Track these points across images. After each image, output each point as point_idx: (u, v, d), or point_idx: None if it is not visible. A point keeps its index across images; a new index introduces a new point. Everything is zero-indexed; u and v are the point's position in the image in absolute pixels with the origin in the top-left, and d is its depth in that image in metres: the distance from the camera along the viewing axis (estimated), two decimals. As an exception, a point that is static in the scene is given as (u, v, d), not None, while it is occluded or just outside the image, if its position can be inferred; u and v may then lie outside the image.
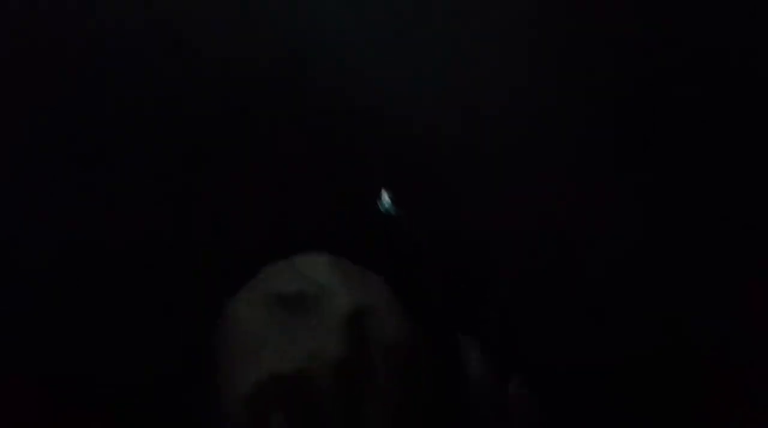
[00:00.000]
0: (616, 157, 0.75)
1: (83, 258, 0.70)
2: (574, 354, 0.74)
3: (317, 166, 0.75)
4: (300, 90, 0.74)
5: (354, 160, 0.75)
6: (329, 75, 0.74)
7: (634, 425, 0.72)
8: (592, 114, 0.75)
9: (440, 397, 0.72)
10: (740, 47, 0.73)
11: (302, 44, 0.74)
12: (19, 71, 0.70)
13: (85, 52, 0.72)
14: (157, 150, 0.73)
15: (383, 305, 0.69)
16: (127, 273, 0.70)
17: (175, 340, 0.69)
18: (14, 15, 0.70)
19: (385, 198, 0.72)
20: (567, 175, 0.75)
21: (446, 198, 0.76)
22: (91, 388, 0.64)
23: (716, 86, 0.74)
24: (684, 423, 0.72)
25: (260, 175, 0.74)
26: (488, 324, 0.75)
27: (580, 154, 0.75)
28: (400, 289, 0.71)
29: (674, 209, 0.77)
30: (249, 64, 0.74)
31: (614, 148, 0.75)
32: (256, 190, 0.74)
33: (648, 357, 0.74)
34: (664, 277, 0.76)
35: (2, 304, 0.65)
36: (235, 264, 0.72)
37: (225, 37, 0.74)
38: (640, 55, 0.73)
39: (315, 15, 0.74)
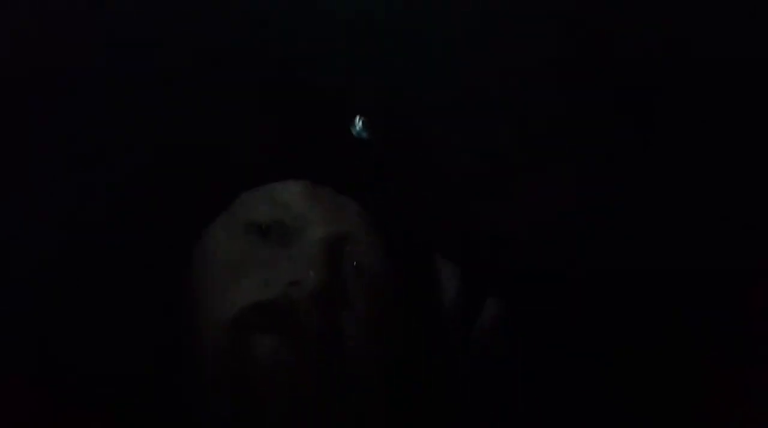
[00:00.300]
0: (615, 156, 0.75)
1: (83, 258, 0.70)
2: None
3: (291, 93, 0.74)
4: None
5: (331, 90, 0.75)
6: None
7: (633, 425, 0.72)
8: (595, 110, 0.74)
9: (416, 321, 0.73)
10: (740, 47, 0.72)
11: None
12: (18, 71, 0.71)
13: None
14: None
15: (361, 231, 0.70)
16: (126, 272, 0.71)
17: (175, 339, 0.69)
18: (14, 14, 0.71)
19: (359, 123, 0.72)
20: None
21: (420, 130, 0.76)
22: (90, 388, 0.65)
23: (716, 85, 0.73)
24: (684, 423, 0.71)
25: (233, 103, 0.74)
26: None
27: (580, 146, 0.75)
28: (376, 215, 0.71)
29: (674, 208, 0.76)
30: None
31: (614, 147, 0.75)
32: (231, 118, 0.74)
33: (647, 355, 0.74)
34: (663, 276, 0.76)
35: (2, 304, 0.66)
36: (212, 193, 0.71)
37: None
38: (641, 55, 0.73)
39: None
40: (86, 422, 0.63)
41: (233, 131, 0.74)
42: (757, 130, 0.75)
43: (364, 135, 0.73)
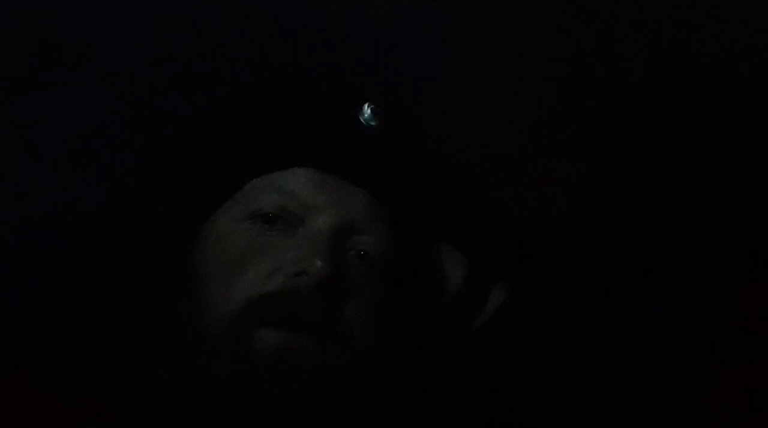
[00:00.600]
0: (619, 152, 0.75)
1: (84, 252, 0.69)
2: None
3: (299, 81, 0.74)
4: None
5: (339, 78, 0.74)
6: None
7: (633, 425, 0.72)
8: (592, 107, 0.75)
9: (421, 309, 0.73)
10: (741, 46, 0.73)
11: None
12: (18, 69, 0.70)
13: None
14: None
15: (367, 220, 0.69)
16: (129, 263, 0.70)
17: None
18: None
19: (367, 111, 0.71)
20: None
21: (430, 115, 0.75)
22: (91, 385, 0.64)
23: (717, 85, 0.74)
24: (684, 423, 0.72)
25: (240, 91, 0.74)
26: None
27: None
28: (383, 203, 0.71)
29: (674, 208, 0.77)
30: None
31: (613, 145, 0.76)
32: (237, 106, 0.74)
33: (647, 355, 0.74)
34: (662, 275, 0.76)
35: (2, 304, 0.65)
36: (218, 181, 0.71)
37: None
38: (642, 54, 0.73)
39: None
40: (86, 420, 0.62)
41: (240, 120, 0.73)
42: (756, 132, 0.75)
43: (372, 123, 0.72)
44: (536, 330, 0.75)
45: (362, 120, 0.72)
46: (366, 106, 0.72)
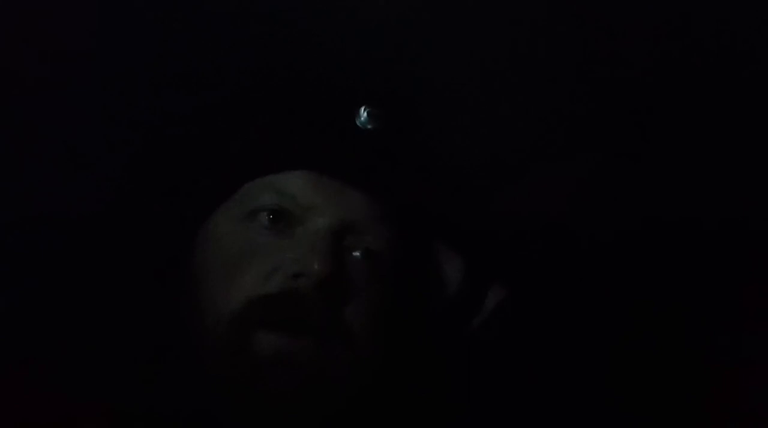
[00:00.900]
0: (620, 154, 0.75)
1: (83, 253, 0.69)
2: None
3: (297, 83, 0.74)
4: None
5: (336, 81, 0.74)
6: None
7: (633, 425, 0.72)
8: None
9: (420, 310, 0.73)
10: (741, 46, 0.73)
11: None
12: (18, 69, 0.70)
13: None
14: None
15: (366, 221, 0.69)
16: (127, 264, 0.70)
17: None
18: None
19: (364, 114, 0.72)
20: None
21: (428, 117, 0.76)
22: (91, 385, 0.64)
23: (716, 84, 0.74)
24: (684, 423, 0.72)
25: (238, 94, 0.74)
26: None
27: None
28: (381, 205, 0.70)
29: (673, 208, 0.77)
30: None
31: (613, 146, 0.76)
32: (235, 108, 0.74)
33: (648, 355, 0.74)
34: (662, 275, 0.76)
35: (2, 304, 0.65)
36: (216, 183, 0.71)
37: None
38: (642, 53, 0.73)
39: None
40: (86, 420, 0.62)
41: (238, 122, 0.73)
42: (756, 133, 0.75)
43: (369, 126, 0.72)
44: (535, 330, 0.75)
45: (358, 123, 0.72)
46: (362, 109, 0.72)
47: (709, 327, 0.73)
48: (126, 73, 0.74)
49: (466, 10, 0.73)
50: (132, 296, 0.68)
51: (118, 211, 0.71)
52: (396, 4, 0.73)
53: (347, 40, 0.73)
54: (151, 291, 0.69)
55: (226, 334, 0.63)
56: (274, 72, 0.74)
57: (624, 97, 0.74)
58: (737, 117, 0.74)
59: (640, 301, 0.75)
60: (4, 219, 0.69)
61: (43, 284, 0.68)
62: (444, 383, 0.73)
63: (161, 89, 0.73)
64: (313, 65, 0.73)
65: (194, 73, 0.74)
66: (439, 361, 0.74)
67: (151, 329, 0.67)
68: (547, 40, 0.73)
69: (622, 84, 0.74)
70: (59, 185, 0.72)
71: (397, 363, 0.71)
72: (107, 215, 0.71)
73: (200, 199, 0.71)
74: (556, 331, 0.75)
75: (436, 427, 0.71)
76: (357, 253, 0.68)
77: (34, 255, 0.68)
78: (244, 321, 0.63)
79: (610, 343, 0.75)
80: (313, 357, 0.64)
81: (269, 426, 0.66)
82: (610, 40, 0.73)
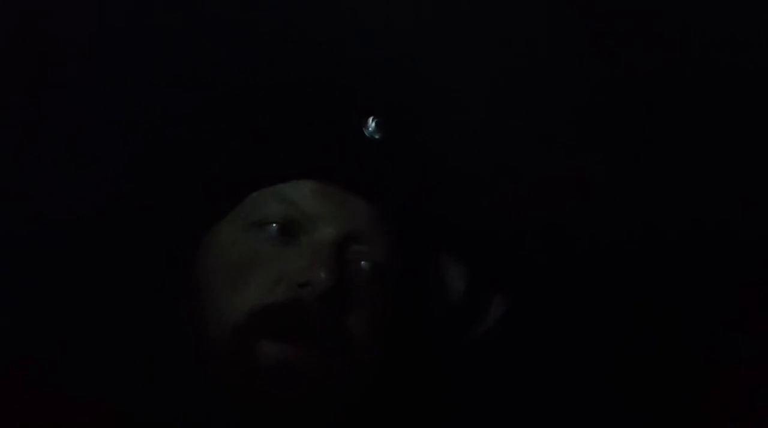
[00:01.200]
0: (622, 155, 0.75)
1: (85, 257, 0.69)
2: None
3: (303, 92, 0.74)
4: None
5: (341, 86, 0.74)
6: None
7: (633, 425, 0.72)
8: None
9: (423, 320, 0.74)
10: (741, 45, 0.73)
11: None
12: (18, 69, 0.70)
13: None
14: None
15: (371, 231, 0.69)
16: (131, 270, 0.69)
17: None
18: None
19: (372, 124, 0.72)
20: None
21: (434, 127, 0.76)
22: (92, 390, 0.64)
23: (717, 85, 0.74)
24: (684, 423, 0.72)
25: (244, 102, 0.74)
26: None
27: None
28: (387, 215, 0.70)
29: (674, 206, 0.77)
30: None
31: (620, 146, 0.76)
32: (241, 117, 0.74)
33: (648, 355, 0.74)
34: (662, 275, 0.76)
35: (2, 304, 0.65)
36: (221, 193, 0.70)
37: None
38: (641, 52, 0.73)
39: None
40: (86, 420, 0.62)
41: (243, 130, 0.73)
42: (756, 134, 0.75)
43: (377, 136, 0.72)
44: (536, 331, 0.75)
45: (366, 133, 0.72)
46: (371, 119, 0.72)
47: (709, 328, 0.73)
48: (126, 73, 0.73)
49: (466, 11, 0.73)
50: (132, 297, 0.68)
51: (118, 212, 0.71)
52: (396, 10, 0.73)
53: (353, 46, 0.73)
54: (151, 293, 0.68)
55: (229, 342, 0.63)
56: (279, 80, 0.74)
57: (624, 97, 0.74)
58: (738, 117, 0.74)
59: (640, 301, 0.75)
60: (4, 219, 0.69)
61: (43, 284, 0.67)
62: (446, 390, 0.73)
63: (165, 98, 0.73)
64: (319, 73, 0.73)
65: (196, 77, 0.74)
66: (441, 370, 0.74)
67: (152, 331, 0.67)
68: (548, 41, 0.73)
69: (622, 84, 0.74)
70: (59, 185, 0.71)
71: (401, 372, 0.71)
72: (107, 215, 0.70)
73: (204, 205, 0.71)
74: (557, 332, 0.75)
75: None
76: (361, 263, 0.68)
77: (34, 255, 0.68)
78: (249, 330, 0.63)
79: (610, 343, 0.75)
80: (316, 366, 0.64)
81: None
82: (610, 40, 0.73)
